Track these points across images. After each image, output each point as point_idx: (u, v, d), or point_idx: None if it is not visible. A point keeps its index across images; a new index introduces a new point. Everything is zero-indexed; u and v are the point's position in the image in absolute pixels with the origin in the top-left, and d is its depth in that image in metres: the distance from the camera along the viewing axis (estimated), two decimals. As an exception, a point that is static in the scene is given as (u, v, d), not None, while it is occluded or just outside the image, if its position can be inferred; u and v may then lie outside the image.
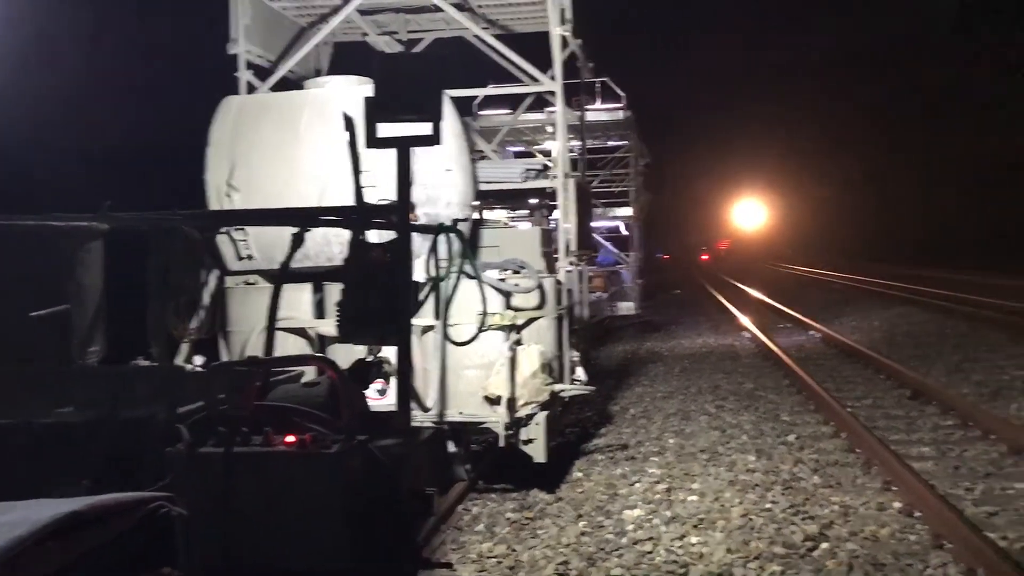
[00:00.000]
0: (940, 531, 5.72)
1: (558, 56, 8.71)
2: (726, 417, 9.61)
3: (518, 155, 18.00)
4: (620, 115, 18.73)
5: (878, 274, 29.87)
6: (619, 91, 18.56)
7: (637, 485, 7.19)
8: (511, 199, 11.04)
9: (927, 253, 38.71)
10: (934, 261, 34.92)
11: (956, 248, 38.06)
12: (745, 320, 20.23)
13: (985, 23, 44.25)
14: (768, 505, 6.46)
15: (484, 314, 5.50)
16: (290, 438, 3.63)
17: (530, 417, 6.92)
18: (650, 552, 5.72)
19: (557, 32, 8.72)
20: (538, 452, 6.96)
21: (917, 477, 6.67)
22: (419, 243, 5.47)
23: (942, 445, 8.12)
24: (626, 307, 18.58)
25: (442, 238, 5.18)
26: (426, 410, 6.65)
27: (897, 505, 6.36)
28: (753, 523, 6.10)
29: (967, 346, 13.68)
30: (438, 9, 9.10)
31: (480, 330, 5.63)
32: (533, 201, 11.76)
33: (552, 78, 8.91)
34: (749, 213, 61.36)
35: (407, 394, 4.35)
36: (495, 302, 7.01)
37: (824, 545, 5.63)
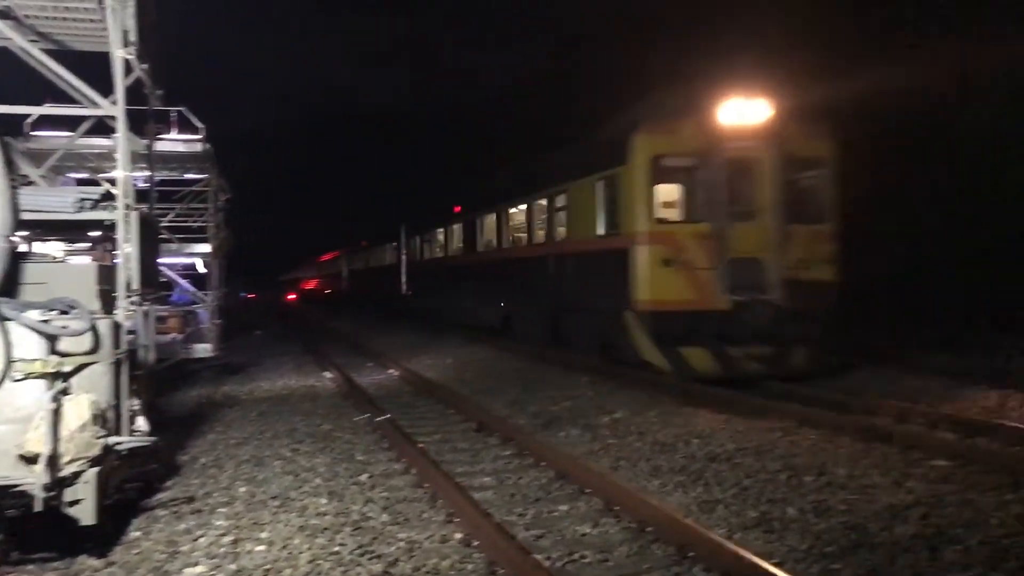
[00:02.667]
0: (494, 557, 6.09)
1: (120, 80, 8.10)
2: (301, 461, 9.46)
3: (81, 183, 16.41)
4: (198, 147, 17.92)
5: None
6: (198, 123, 17.78)
7: (201, 539, 6.76)
8: (66, 231, 9.96)
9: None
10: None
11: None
12: (327, 360, 20.32)
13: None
14: (336, 548, 6.43)
15: (10, 361, 4.79)
16: None
17: (77, 475, 6.21)
18: (210, 612, 5.39)
19: (119, 54, 8.12)
20: (86, 514, 6.26)
21: (476, 507, 7.09)
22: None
23: (501, 474, 8.75)
24: (203, 349, 17.66)
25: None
26: (-61, 475, 5.66)
27: (458, 536, 6.68)
28: (320, 568, 6.03)
29: (526, 380, 15.01)
30: (-26, 13, 8.00)
31: (4, 379, 4.90)
32: (95, 234, 10.76)
33: (114, 103, 8.25)
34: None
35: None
36: (35, 347, 6.23)
37: (388, 583, 5.72)
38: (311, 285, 73.48)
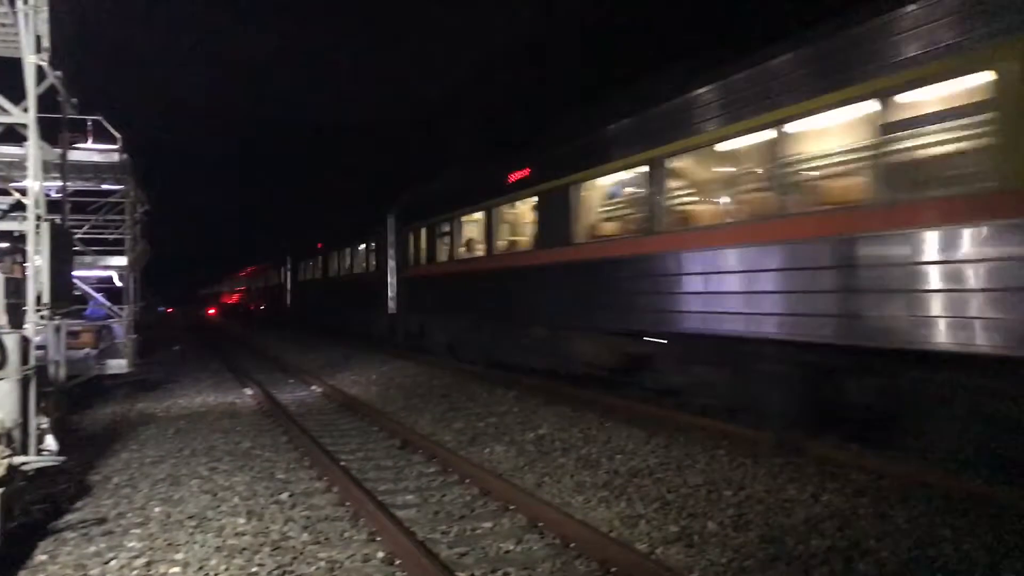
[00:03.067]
0: (417, 576, 6.02)
1: (32, 86, 7.85)
2: (219, 479, 9.23)
3: (-10, 192, 15.83)
4: (116, 157, 17.45)
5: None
6: (115, 132, 17.31)
7: (113, 562, 6.52)
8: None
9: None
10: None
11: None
12: (248, 376, 19.93)
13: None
14: (255, 569, 6.28)
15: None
16: None
17: (-21, 497, 5.95)
18: (121, 638, 5.20)
19: (31, 60, 7.87)
20: (-11, 537, 6.00)
21: (399, 526, 7.00)
22: None
23: (425, 492, 8.66)
24: (118, 365, 17.11)
25: None
26: None
27: (381, 555, 6.59)
28: (238, 590, 5.87)
29: (451, 396, 14.93)
30: None
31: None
32: (3, 245, 10.40)
33: (25, 110, 7.99)
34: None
35: None
36: (-64, 362, 5.95)
37: (308, 605, 5.60)
38: (235, 299, 71.71)
